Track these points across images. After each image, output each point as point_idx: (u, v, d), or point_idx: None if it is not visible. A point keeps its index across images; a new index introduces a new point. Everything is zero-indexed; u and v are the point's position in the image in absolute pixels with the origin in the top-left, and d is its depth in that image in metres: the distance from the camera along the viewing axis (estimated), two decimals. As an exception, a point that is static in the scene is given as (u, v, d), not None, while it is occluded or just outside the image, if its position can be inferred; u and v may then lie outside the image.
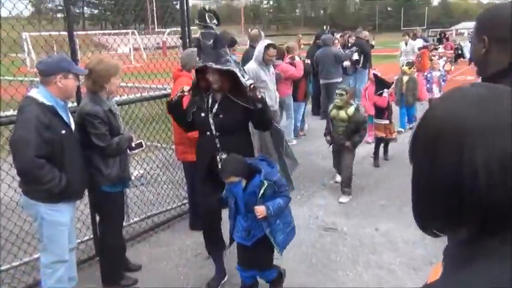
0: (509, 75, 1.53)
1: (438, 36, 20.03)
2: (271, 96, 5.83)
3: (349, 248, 4.22)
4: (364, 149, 6.90)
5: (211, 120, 3.31)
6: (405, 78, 7.64)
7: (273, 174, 3.10)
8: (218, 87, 3.29)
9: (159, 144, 5.40)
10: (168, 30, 22.64)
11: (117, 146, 3.26)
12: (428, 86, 8.54)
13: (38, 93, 2.85)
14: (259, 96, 3.16)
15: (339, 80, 9.38)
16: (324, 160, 6.58)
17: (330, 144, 5.49)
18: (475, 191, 0.71)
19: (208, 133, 3.36)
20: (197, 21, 3.28)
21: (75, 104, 3.64)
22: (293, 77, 7.37)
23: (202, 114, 3.36)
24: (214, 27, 3.27)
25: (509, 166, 0.68)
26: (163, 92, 4.73)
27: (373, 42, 12.60)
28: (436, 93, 8.48)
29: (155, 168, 5.24)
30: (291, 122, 7.89)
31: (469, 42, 23.92)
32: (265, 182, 3.00)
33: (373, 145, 6.81)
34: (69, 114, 3.07)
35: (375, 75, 6.74)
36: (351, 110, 5.17)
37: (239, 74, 3.21)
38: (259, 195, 3.01)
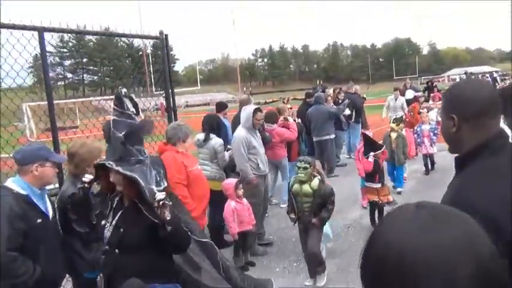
0: (484, 153, 1.49)
1: (426, 85, 20.06)
2: (262, 160, 5.81)
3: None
4: (358, 212, 6.77)
5: (108, 232, 2.62)
6: (393, 135, 7.42)
7: None
8: (122, 191, 2.64)
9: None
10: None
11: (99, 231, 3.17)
12: (419, 140, 8.45)
13: (14, 183, 2.81)
14: (168, 218, 2.43)
15: (332, 136, 9.47)
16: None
17: (295, 223, 4.88)
18: None
19: (107, 247, 2.65)
20: (113, 106, 2.70)
21: (57, 185, 3.60)
22: (288, 140, 7.41)
23: (103, 222, 2.68)
24: (132, 115, 2.66)
25: None
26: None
27: (364, 95, 12.73)
28: (428, 148, 8.35)
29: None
30: (287, 182, 7.82)
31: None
32: None
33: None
34: (47, 201, 3.01)
35: (365, 136, 6.45)
36: (315, 183, 4.63)
37: (144, 184, 2.48)
38: None
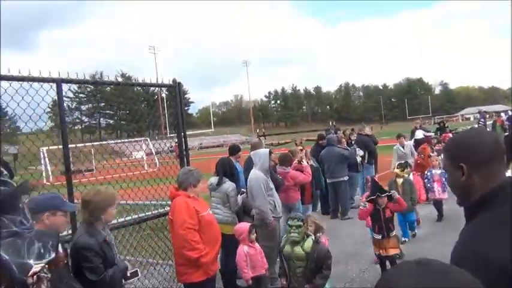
0: (495, 200, 1.48)
1: (438, 126, 19.07)
2: (278, 202, 5.82)
3: None
4: (373, 256, 6.60)
5: None
6: (399, 181, 7.05)
7: None
8: None
9: (156, 261, 5.24)
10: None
11: (110, 279, 3.17)
12: (429, 185, 8.16)
13: (25, 232, 2.84)
14: None
15: (345, 178, 9.45)
16: (337, 264, 6.17)
17: None
18: None
19: None
20: None
21: (70, 231, 3.64)
22: (302, 183, 7.39)
23: None
24: (6, 179, 2.33)
25: None
26: (160, 210, 4.74)
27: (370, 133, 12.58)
28: (439, 193, 8.04)
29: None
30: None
31: (479, 124, 23.62)
32: None
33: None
34: (60, 248, 3.03)
35: (371, 180, 6.20)
36: (308, 243, 4.20)
37: (10, 258, 2.06)
38: None
